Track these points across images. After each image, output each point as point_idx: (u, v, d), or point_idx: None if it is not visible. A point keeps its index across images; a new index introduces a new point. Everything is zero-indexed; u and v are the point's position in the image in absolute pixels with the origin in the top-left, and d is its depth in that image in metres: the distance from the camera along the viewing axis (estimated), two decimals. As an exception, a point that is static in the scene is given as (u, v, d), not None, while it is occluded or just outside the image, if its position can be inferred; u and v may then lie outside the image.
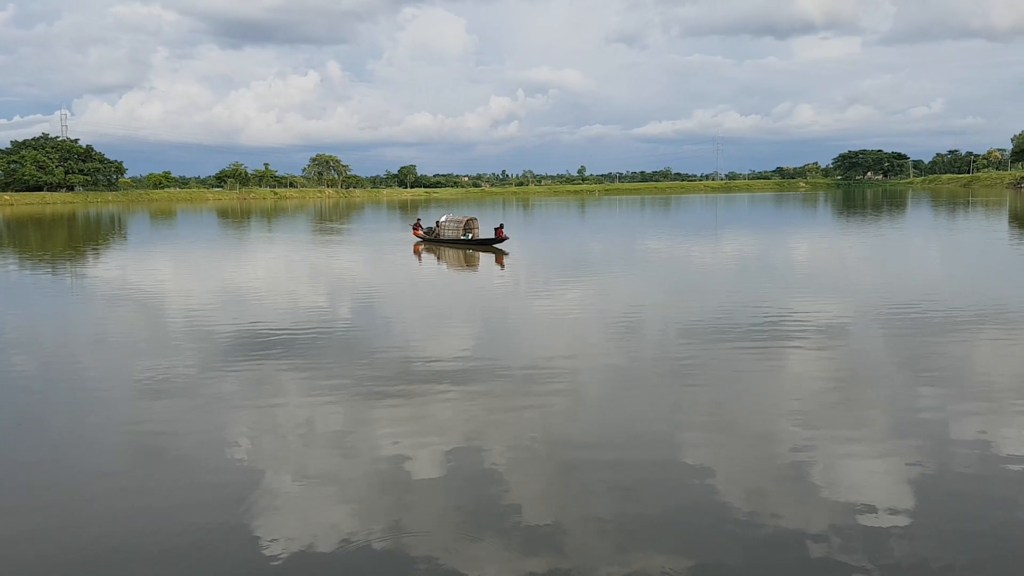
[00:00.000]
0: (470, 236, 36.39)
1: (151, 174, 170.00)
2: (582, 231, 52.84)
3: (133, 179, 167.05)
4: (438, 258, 32.58)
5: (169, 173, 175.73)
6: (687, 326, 15.73)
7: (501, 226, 35.59)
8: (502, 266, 29.09)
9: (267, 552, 6.63)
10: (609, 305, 19.06)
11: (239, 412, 10.57)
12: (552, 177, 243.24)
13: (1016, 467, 8.10)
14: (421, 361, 13.29)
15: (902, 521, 6.90)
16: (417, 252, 34.79)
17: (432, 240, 37.56)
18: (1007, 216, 58.16)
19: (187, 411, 10.62)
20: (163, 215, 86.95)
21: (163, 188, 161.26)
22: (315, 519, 7.23)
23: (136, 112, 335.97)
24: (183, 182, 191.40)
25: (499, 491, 7.78)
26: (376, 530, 6.98)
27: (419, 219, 42.05)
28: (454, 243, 36.26)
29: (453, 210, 67.26)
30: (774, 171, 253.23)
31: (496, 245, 34.80)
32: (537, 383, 11.60)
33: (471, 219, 37.36)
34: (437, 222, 38.42)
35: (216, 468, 8.59)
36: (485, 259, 31.11)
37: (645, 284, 23.37)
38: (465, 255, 32.98)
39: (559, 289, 22.13)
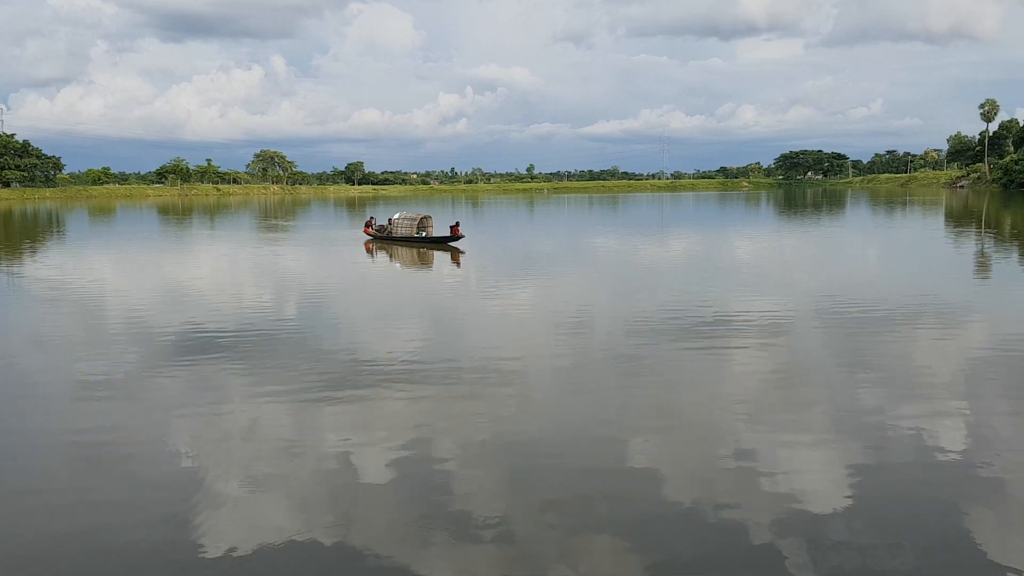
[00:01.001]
0: (424, 234, 35.99)
1: (90, 170, 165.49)
2: (534, 229, 52.90)
3: (72, 175, 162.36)
4: (391, 256, 32.18)
5: (109, 169, 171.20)
6: (636, 324, 15.80)
7: (457, 224, 35.27)
8: (458, 264, 28.89)
9: (213, 559, 6.43)
10: (560, 304, 19.04)
11: (182, 415, 10.23)
12: (501, 175, 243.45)
13: (950, 460, 8.33)
14: (371, 361, 13.04)
15: (843, 516, 7.02)
16: (369, 250, 34.32)
17: (384, 238, 37.07)
18: (943, 215, 60.15)
19: (128, 414, 10.27)
20: (102, 212, 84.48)
21: (102, 184, 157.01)
22: (262, 523, 7.04)
23: (75, 106, 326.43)
24: (123, 178, 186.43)
25: (449, 491, 7.70)
26: (324, 532, 6.84)
27: (371, 217, 41.49)
28: (407, 241, 35.84)
29: (403, 208, 66.71)
30: (718, 171, 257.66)
31: (451, 243, 34.48)
32: (487, 383, 11.52)
33: (425, 217, 36.95)
34: (390, 220, 37.90)
35: (159, 473, 8.31)
36: (440, 257, 30.85)
37: (596, 283, 23.39)
38: (419, 253, 32.64)
39: (513, 288, 22.05)
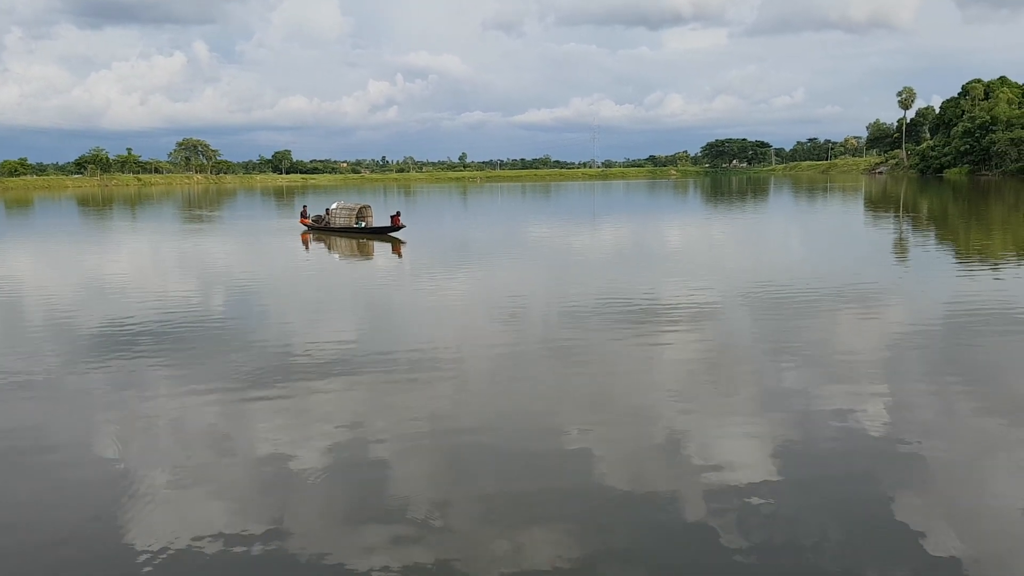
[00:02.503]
0: (363, 224, 35.57)
1: (6, 161, 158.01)
2: (470, 219, 52.80)
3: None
4: (329, 248, 31.71)
5: (25, 160, 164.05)
6: (571, 312, 15.99)
7: (398, 213, 34.86)
8: (399, 255, 28.69)
9: (143, 556, 6.35)
10: (504, 294, 18.95)
11: (109, 413, 9.99)
12: (433, 164, 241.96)
13: (872, 436, 8.74)
14: (307, 354, 12.84)
15: (772, 493, 7.31)
16: (306, 241, 33.76)
17: (322, 229, 36.50)
18: (862, 201, 62.49)
19: (52, 413, 9.99)
20: (19, 204, 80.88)
21: (19, 176, 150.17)
22: (193, 519, 6.96)
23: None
24: (40, 169, 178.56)
25: (384, 481, 7.73)
26: (258, 526, 6.79)
27: (305, 206, 40.75)
28: (346, 232, 35.38)
29: (334, 197, 65.43)
30: (647, 159, 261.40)
31: (392, 234, 34.10)
32: (425, 373, 11.52)
33: (364, 207, 36.48)
34: (327, 210, 37.31)
35: (86, 472, 8.13)
36: (380, 248, 30.58)
37: (533, 272, 23.34)
38: (358, 244, 32.27)
39: (454, 278, 22.04)
